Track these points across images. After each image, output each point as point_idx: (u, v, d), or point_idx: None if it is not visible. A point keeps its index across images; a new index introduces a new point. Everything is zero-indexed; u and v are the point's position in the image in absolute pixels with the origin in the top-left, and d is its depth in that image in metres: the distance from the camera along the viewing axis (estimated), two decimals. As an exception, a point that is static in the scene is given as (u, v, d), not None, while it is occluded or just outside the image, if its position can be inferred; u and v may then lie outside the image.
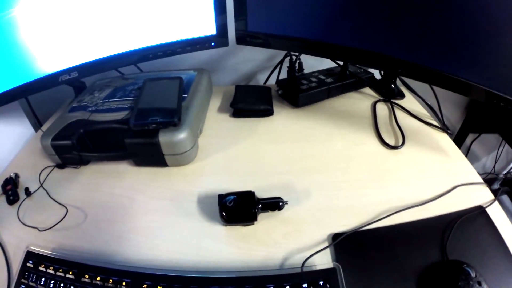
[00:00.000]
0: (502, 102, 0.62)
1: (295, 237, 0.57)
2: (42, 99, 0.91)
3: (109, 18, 0.75)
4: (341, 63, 0.98)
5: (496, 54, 0.60)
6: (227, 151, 0.77)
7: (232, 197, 0.57)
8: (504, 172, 1.90)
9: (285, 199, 0.60)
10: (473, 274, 0.48)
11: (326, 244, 0.56)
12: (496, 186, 1.90)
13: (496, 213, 0.61)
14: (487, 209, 0.61)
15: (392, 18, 0.69)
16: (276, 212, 0.60)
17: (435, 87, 0.88)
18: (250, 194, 0.59)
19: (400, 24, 0.68)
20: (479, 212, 0.61)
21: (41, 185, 0.69)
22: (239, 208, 0.57)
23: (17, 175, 0.72)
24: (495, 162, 1.77)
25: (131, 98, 0.77)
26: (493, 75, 0.62)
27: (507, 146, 1.66)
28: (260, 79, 1.23)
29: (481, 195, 0.66)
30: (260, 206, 0.58)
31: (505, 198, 1.75)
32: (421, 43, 0.68)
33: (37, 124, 0.91)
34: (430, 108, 0.90)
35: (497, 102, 0.62)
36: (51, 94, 0.88)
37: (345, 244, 0.55)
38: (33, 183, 0.70)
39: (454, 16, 0.61)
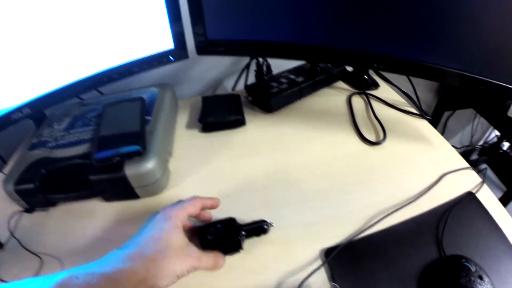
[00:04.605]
0: (482, 85, 0.60)
1: (285, 259, 0.54)
2: (2, 133, 0.83)
3: (56, 46, 0.69)
4: (312, 61, 0.94)
5: (469, 36, 0.59)
6: (201, 172, 0.72)
7: (212, 228, 0.53)
8: (481, 142, 1.93)
9: (268, 219, 0.56)
10: (473, 269, 0.47)
11: (320, 261, 0.53)
12: (474, 157, 1.93)
13: (486, 196, 0.61)
14: (477, 194, 0.61)
15: (358, 11, 0.66)
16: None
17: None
18: (231, 221, 0.54)
19: (367, 17, 0.66)
20: (470, 199, 0.61)
21: (12, 235, 0.64)
22: (221, 240, 0.52)
23: (-15, 225, 0.66)
24: (472, 135, 1.79)
25: (92, 127, 0.72)
26: (472, 59, 0.61)
27: (481, 118, 1.68)
28: (228, 86, 1.19)
29: (469, 180, 0.65)
30: (244, 233, 0.53)
31: (485, 168, 1.78)
32: (392, 34, 0.66)
33: (1, 162, 0.84)
34: (406, 95, 0.89)
35: (477, 86, 0.60)
36: (12, 127, 0.81)
37: (339, 258, 0.52)
38: (3, 231, 0.64)
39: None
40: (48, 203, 0.67)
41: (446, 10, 0.58)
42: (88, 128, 0.72)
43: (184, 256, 0.45)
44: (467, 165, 0.68)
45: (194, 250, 0.47)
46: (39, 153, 0.69)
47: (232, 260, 0.54)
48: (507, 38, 0.56)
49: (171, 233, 0.45)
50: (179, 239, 0.46)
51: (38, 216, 0.67)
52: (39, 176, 0.64)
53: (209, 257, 0.48)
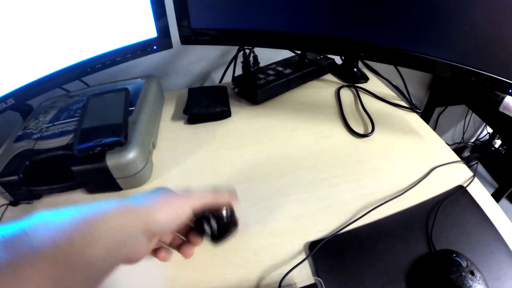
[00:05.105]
0: (473, 77, 0.59)
1: (268, 253, 0.52)
2: None
3: (39, 33, 0.67)
4: (299, 52, 0.93)
5: (459, 26, 0.58)
6: (185, 163, 0.70)
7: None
8: (473, 139, 1.93)
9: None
10: (464, 264, 0.45)
11: (303, 255, 0.51)
12: (466, 154, 1.93)
13: (477, 190, 0.60)
14: (468, 188, 0.60)
15: None
16: (244, 227, 0.53)
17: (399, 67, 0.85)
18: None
19: (356, 5, 0.64)
20: (461, 192, 0.59)
21: (-4, 230, 0.62)
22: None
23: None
24: (464, 132, 1.79)
25: (76, 119, 0.70)
26: (463, 50, 0.59)
27: (473, 115, 1.68)
28: (216, 78, 1.17)
29: (459, 173, 0.64)
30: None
31: (477, 165, 1.77)
32: (381, 23, 0.64)
33: None
34: (396, 88, 0.87)
35: (468, 77, 0.59)
36: (1, 121, 0.79)
37: (324, 252, 0.51)
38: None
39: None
40: (33, 196, 0.66)
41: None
42: (72, 120, 0.71)
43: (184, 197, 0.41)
44: (458, 158, 0.67)
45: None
46: (23, 145, 0.67)
47: (214, 253, 0.53)
48: (498, 29, 0.55)
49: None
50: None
51: (23, 209, 0.66)
52: (23, 168, 0.62)
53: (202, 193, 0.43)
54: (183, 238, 0.45)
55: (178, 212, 0.39)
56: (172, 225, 0.38)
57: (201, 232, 0.44)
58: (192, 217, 0.44)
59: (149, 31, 0.78)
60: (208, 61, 1.12)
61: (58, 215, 0.31)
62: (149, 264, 0.51)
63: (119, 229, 0.33)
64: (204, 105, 0.81)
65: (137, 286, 0.51)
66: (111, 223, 0.33)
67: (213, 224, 0.44)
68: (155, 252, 0.42)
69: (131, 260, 0.36)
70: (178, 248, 0.44)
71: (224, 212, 0.45)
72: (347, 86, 0.91)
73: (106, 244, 0.31)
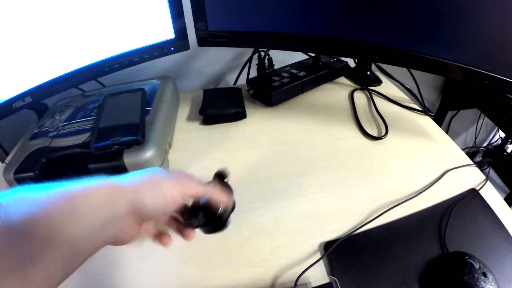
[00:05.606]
0: (485, 80, 0.59)
1: (284, 252, 0.53)
2: (6, 127, 0.84)
3: (58, 33, 0.68)
4: (313, 54, 0.93)
5: (472, 28, 0.58)
6: (200, 163, 0.71)
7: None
8: (485, 144, 1.91)
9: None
10: (476, 266, 0.45)
11: (319, 255, 0.51)
12: (478, 158, 1.92)
13: (489, 193, 0.60)
14: (481, 191, 0.60)
15: (361, 1, 0.65)
16: (260, 227, 0.56)
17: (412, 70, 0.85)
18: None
19: (371, 7, 0.65)
20: (473, 195, 0.59)
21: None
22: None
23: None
24: (476, 136, 1.77)
25: (93, 118, 0.72)
26: (475, 52, 0.59)
27: (486, 119, 1.66)
28: (230, 80, 1.17)
29: (472, 177, 0.64)
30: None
31: (489, 169, 1.76)
32: (394, 25, 0.65)
33: (4, 154, 0.84)
34: (409, 91, 0.88)
35: (480, 80, 0.59)
36: (15, 120, 0.81)
37: (339, 252, 0.51)
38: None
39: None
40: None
41: (449, 1, 0.57)
42: (89, 119, 0.72)
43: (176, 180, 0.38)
44: (471, 161, 0.67)
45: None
46: (39, 142, 0.68)
47: (229, 252, 0.54)
48: (511, 31, 0.55)
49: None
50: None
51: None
52: (39, 165, 0.63)
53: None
54: (180, 218, 0.43)
55: (167, 196, 0.36)
56: (160, 210, 0.36)
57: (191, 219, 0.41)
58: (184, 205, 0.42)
59: (167, 33, 0.79)
60: (222, 63, 1.13)
61: (38, 190, 0.29)
62: (163, 262, 0.53)
63: (103, 208, 0.31)
64: (220, 106, 0.82)
65: (152, 283, 0.51)
66: (94, 200, 0.30)
67: (200, 218, 0.41)
68: (156, 236, 0.41)
69: (117, 242, 0.34)
70: (178, 230, 0.42)
71: (219, 209, 0.42)
72: (360, 89, 0.91)
73: (89, 223, 0.29)
